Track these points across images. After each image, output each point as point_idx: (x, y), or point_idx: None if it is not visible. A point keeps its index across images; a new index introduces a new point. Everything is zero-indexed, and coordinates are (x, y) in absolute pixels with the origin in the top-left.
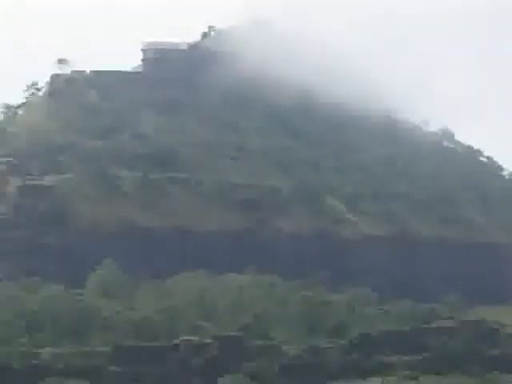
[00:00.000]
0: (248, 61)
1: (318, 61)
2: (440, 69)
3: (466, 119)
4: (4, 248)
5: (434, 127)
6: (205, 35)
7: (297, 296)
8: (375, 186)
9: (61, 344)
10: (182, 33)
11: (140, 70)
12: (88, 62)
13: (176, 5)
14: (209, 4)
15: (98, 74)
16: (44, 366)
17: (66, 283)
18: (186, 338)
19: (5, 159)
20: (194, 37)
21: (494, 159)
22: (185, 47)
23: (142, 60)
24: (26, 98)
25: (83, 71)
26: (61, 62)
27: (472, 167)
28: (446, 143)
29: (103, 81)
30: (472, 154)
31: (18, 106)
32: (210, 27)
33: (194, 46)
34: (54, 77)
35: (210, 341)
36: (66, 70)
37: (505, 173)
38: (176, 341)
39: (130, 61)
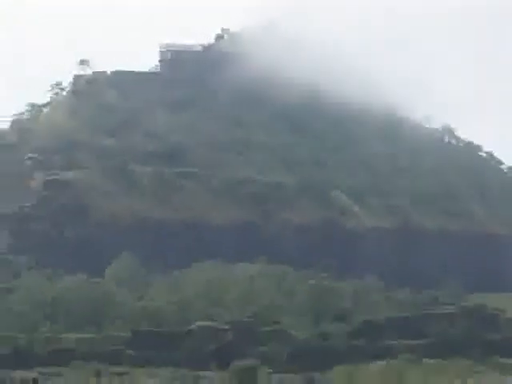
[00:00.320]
0: (257, 62)
1: (323, 61)
2: (440, 67)
3: (466, 116)
4: (28, 239)
5: (435, 124)
6: (218, 37)
7: (304, 285)
8: (378, 180)
9: (81, 330)
10: (197, 35)
11: (157, 70)
12: (108, 63)
13: (191, 9)
14: (222, 8)
15: (117, 74)
16: (66, 351)
17: (86, 273)
18: (200, 323)
19: (30, 155)
20: (208, 39)
21: (494, 154)
22: (199, 49)
23: (159, 61)
24: (51, 97)
25: (104, 72)
26: (83, 63)
27: (472, 162)
28: (446, 139)
29: (122, 81)
30: (472, 149)
31: (43, 105)
32: (222, 30)
33: (207, 48)
34: (77, 77)
35: (224, 326)
36: (88, 71)
37: (504, 167)
38: (191, 326)
39: (147, 61)
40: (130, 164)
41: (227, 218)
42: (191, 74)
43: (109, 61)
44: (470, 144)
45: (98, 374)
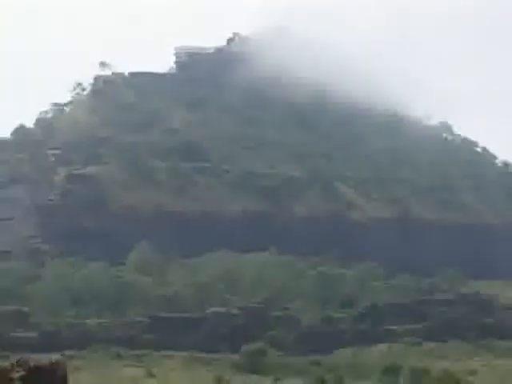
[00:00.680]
0: (267, 62)
1: (329, 61)
2: (439, 67)
3: (462, 113)
4: (53, 230)
5: (433, 121)
6: (229, 40)
7: (312, 272)
8: (381, 174)
9: (103, 315)
10: (210, 38)
11: (172, 71)
12: (126, 65)
13: (204, 14)
14: (233, 13)
15: (134, 75)
16: (88, 335)
17: (106, 261)
18: (214, 309)
19: (53, 151)
20: (220, 42)
21: (488, 149)
22: (212, 51)
23: (175, 62)
24: (72, 97)
25: (122, 73)
26: (102, 64)
27: (468, 156)
28: (444, 135)
29: (139, 81)
30: (468, 144)
31: (65, 104)
32: (234, 33)
33: (220, 50)
34: (97, 78)
35: (236, 312)
36: (107, 72)
37: (498, 161)
38: (206, 312)
39: (163, 63)
40: (147, 159)
41: (240, 209)
42: (205, 74)
43: (127, 62)
44: (466, 140)
45: (118, 357)
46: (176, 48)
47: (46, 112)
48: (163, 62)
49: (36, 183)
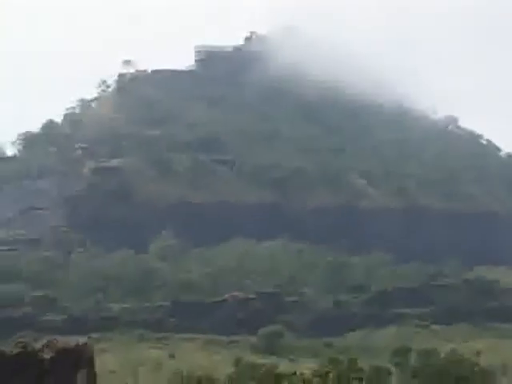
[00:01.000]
0: (282, 61)
1: (340, 59)
2: (440, 68)
3: (468, 107)
4: (79, 220)
5: (439, 114)
6: (247, 39)
7: (323, 259)
8: (388, 166)
9: (127, 300)
10: (228, 37)
11: (193, 69)
12: (149, 63)
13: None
14: (250, 14)
15: (157, 72)
16: (114, 318)
17: (130, 249)
18: (232, 293)
19: (80, 145)
20: (238, 41)
21: (493, 142)
22: (230, 49)
23: (195, 60)
24: (98, 93)
25: (144, 70)
26: (126, 62)
27: (473, 149)
28: (450, 128)
29: (161, 78)
30: (473, 137)
31: (91, 101)
32: (251, 33)
33: (237, 49)
34: (121, 75)
35: (252, 296)
36: (131, 70)
37: (502, 153)
38: (224, 296)
39: (184, 61)
40: (168, 152)
41: (255, 199)
42: (223, 72)
43: (150, 61)
44: (471, 133)
45: (141, 339)
46: (196, 47)
47: (74, 108)
48: (184, 60)
49: (64, 175)
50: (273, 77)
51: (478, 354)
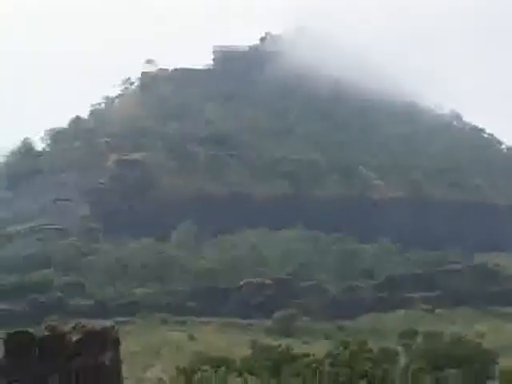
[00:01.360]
0: (294, 60)
1: (349, 57)
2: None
3: (472, 103)
4: (104, 210)
5: (444, 110)
6: (261, 39)
7: (335, 247)
8: (396, 158)
9: (149, 285)
10: (244, 38)
11: (210, 67)
12: (170, 62)
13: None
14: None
15: (177, 71)
16: (137, 303)
17: (152, 238)
18: (248, 279)
19: (105, 139)
20: (253, 41)
21: (495, 136)
22: (246, 49)
23: (213, 59)
24: (122, 90)
25: (166, 69)
26: (148, 61)
27: (476, 142)
28: (455, 123)
29: (181, 76)
30: (476, 131)
31: (115, 97)
32: (266, 33)
33: (253, 48)
34: (143, 74)
35: (267, 282)
36: (153, 68)
37: (503, 147)
38: (241, 282)
39: (202, 60)
40: (187, 146)
41: (269, 191)
42: (239, 70)
43: (170, 60)
44: (474, 127)
45: (163, 322)
46: (214, 46)
47: (99, 104)
48: (201, 59)
49: (88, 168)
50: (286, 75)
51: (481, 335)
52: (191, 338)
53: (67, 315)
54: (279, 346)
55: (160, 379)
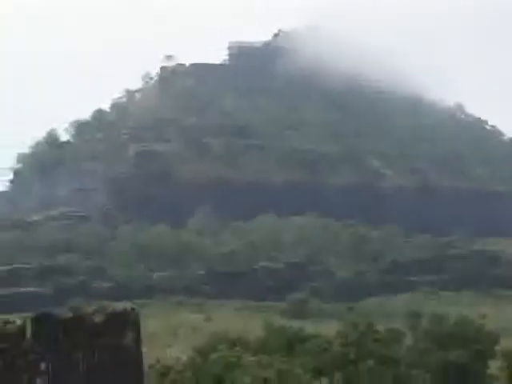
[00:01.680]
0: (308, 55)
1: (360, 53)
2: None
3: (475, 95)
4: (125, 197)
5: (449, 102)
6: (275, 35)
7: (345, 233)
8: (404, 148)
9: (167, 269)
10: (258, 34)
11: (226, 62)
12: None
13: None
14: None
15: (195, 66)
16: (155, 286)
17: (170, 225)
18: (262, 264)
19: (126, 131)
20: (267, 37)
21: (497, 127)
22: (260, 45)
23: (228, 55)
24: (142, 84)
25: (184, 64)
26: (167, 57)
27: (479, 133)
28: (458, 114)
29: (199, 71)
30: (479, 123)
31: (136, 91)
32: (278, 30)
33: (267, 44)
34: (163, 68)
35: (281, 266)
36: (172, 63)
37: (505, 138)
38: (255, 266)
39: (219, 55)
40: (205, 137)
41: (283, 179)
42: (254, 65)
43: (188, 55)
44: (477, 119)
45: (180, 305)
46: (229, 42)
47: (120, 97)
48: (218, 55)
49: (110, 158)
50: (299, 69)
51: (484, 317)
52: (207, 319)
53: (90, 297)
54: (292, 327)
55: (178, 358)
